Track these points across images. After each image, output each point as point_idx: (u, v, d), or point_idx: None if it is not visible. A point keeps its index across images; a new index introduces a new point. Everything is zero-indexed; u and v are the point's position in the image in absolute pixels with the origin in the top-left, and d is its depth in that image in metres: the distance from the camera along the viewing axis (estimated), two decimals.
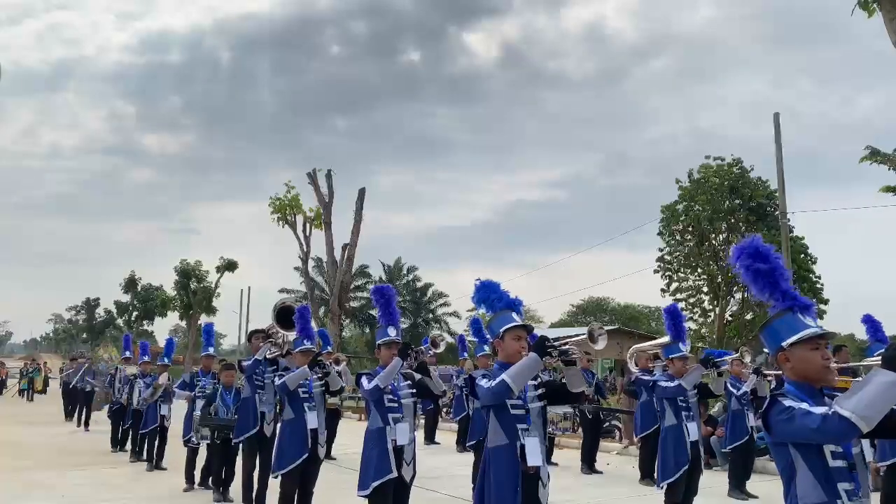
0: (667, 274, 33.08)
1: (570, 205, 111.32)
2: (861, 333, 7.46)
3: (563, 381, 4.03)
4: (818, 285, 30.20)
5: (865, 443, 4.12)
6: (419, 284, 56.06)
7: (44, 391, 30.04)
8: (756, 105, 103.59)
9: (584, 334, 4.00)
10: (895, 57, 11.73)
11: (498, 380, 3.80)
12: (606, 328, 4.20)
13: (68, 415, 19.52)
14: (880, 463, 6.22)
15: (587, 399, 10.74)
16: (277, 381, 6.50)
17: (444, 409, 17.34)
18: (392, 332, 5.35)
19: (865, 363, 2.94)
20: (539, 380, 4.08)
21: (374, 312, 5.85)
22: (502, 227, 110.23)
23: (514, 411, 3.92)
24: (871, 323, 6.93)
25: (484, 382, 3.88)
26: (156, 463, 10.67)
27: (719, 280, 30.60)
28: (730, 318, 31.15)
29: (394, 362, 5.11)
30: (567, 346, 3.90)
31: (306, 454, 6.25)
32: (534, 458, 3.86)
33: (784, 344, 2.81)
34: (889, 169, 15.80)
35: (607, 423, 13.73)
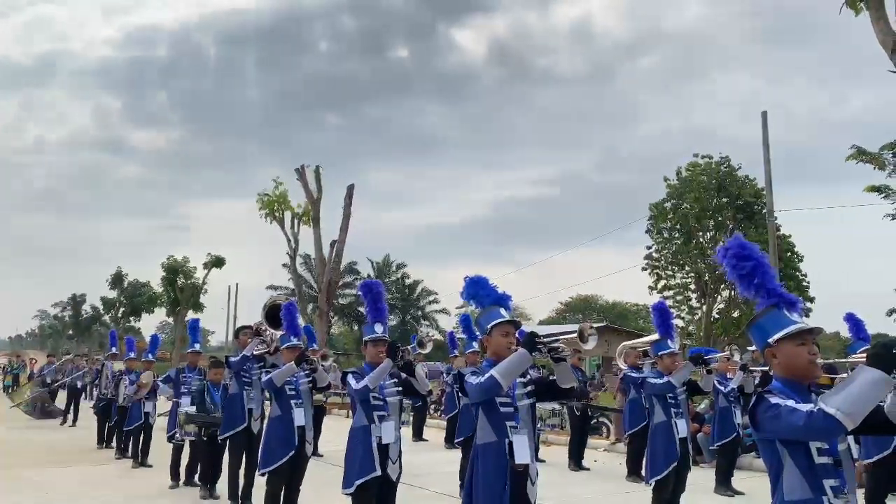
0: (655, 272, 33.23)
1: (561, 202, 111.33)
2: (845, 331, 7.52)
3: (553, 377, 4.03)
4: (804, 283, 30.41)
5: (851, 439, 4.15)
6: (408, 282, 56.08)
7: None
8: (747, 103, 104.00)
9: (574, 332, 3.98)
10: (884, 56, 11.84)
11: (486, 376, 3.79)
12: (595, 325, 4.19)
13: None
14: (865, 460, 6.28)
15: (577, 396, 10.75)
16: (264, 378, 6.47)
17: (433, 407, 17.34)
18: (379, 328, 5.31)
19: (850, 360, 2.95)
20: (528, 377, 4.08)
21: (363, 309, 5.83)
22: (492, 224, 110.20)
23: (503, 408, 3.91)
24: (853, 321, 7.01)
25: (473, 379, 3.87)
26: (141, 460, 10.61)
27: (706, 278, 30.76)
28: (717, 316, 31.32)
29: (384, 364, 5.06)
30: (557, 345, 3.90)
31: (293, 451, 6.22)
32: (522, 455, 3.85)
33: (771, 340, 2.83)
34: (874, 168, 15.96)
35: (595, 420, 13.77)
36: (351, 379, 5.17)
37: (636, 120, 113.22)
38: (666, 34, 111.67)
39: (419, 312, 55.67)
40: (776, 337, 2.81)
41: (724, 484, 8.85)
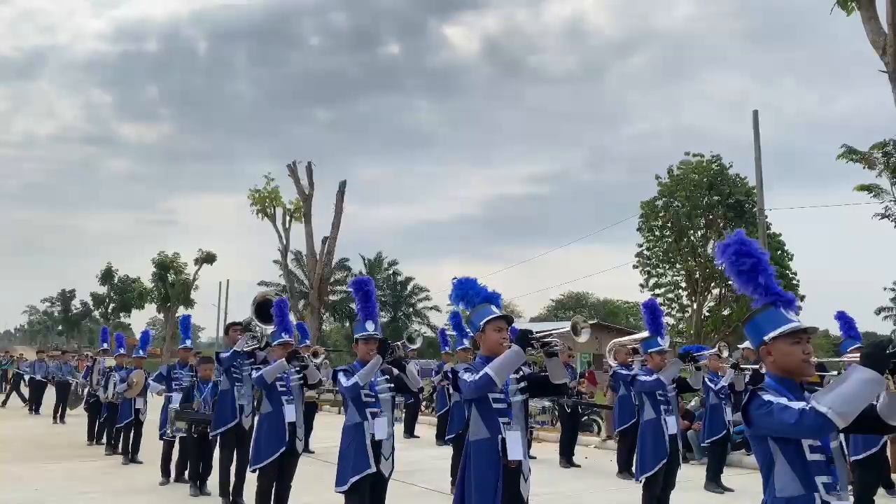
0: (645, 269, 33.31)
1: (552, 200, 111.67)
2: (835, 329, 7.60)
3: (545, 373, 4.03)
4: (794, 282, 30.55)
5: (842, 437, 4.17)
6: (400, 278, 56.04)
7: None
8: (737, 102, 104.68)
9: (566, 327, 3.99)
10: (874, 56, 11.89)
11: (481, 373, 3.79)
12: (587, 322, 4.19)
13: (32, 408, 19.40)
14: (854, 457, 6.32)
15: (568, 392, 10.76)
16: (255, 375, 6.45)
17: (425, 403, 17.34)
18: (370, 326, 5.27)
19: (844, 359, 2.96)
20: (521, 373, 4.08)
21: (354, 306, 5.82)
22: (483, 221, 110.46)
23: (496, 405, 3.91)
24: (844, 320, 7.07)
25: (467, 376, 3.86)
26: (131, 456, 10.57)
27: (697, 276, 30.85)
28: (707, 314, 31.42)
29: (374, 360, 5.05)
30: (550, 339, 3.90)
31: (284, 448, 6.21)
32: (515, 452, 3.85)
33: (766, 338, 2.84)
34: (864, 167, 16.05)
35: (585, 417, 13.80)
36: (341, 376, 5.15)
37: (626, 118, 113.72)
38: (656, 33, 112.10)
39: (411, 309, 55.64)
40: (772, 335, 2.82)
41: (714, 481, 8.89)
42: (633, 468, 7.41)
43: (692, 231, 31.54)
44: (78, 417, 14.98)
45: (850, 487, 3.46)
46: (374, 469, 4.96)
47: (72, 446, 12.55)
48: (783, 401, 2.60)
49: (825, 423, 2.43)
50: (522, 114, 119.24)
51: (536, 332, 3.95)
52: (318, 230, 29.79)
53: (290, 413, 6.33)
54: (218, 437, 7.66)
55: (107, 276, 55.28)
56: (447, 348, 13.01)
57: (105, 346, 14.67)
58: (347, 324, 51.66)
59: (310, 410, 10.97)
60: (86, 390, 14.70)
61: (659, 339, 6.83)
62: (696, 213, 30.81)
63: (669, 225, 31.84)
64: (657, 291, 32.46)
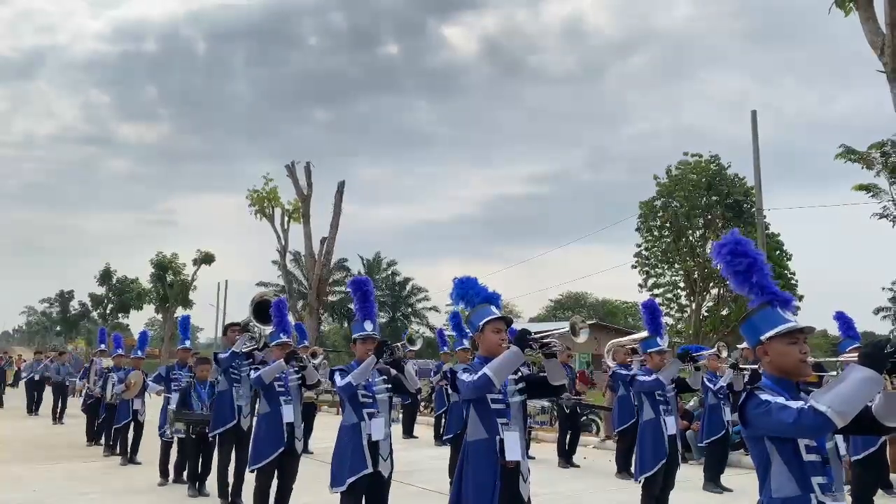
0: (644, 269, 33.35)
1: (551, 200, 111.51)
2: (833, 329, 7.61)
3: (544, 374, 4.03)
4: (793, 282, 30.59)
5: (839, 437, 4.17)
6: (398, 279, 56.06)
7: (15, 384, 29.58)
8: (737, 102, 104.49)
9: (565, 327, 3.99)
10: (873, 56, 11.91)
11: (479, 374, 3.79)
12: (586, 322, 4.19)
13: (31, 409, 19.35)
14: (853, 457, 6.33)
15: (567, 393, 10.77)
16: (253, 375, 6.45)
17: (423, 404, 17.34)
18: (369, 326, 5.27)
19: (842, 359, 2.96)
20: (519, 373, 4.08)
21: (353, 306, 5.82)
22: (483, 221, 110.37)
23: (495, 405, 3.91)
24: (843, 320, 7.09)
25: (465, 376, 3.86)
26: (130, 457, 10.55)
27: (696, 276, 30.90)
28: (706, 314, 31.47)
29: (368, 360, 5.04)
30: (548, 339, 3.90)
31: (282, 448, 6.21)
32: (513, 452, 3.85)
33: (763, 338, 2.83)
34: (862, 167, 16.08)
35: (584, 417, 13.80)
36: (337, 376, 5.14)
37: (626, 118, 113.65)
38: (656, 33, 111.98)
39: (409, 309, 55.65)
40: (768, 335, 2.82)
41: (712, 481, 8.89)
42: (633, 468, 7.41)
43: (691, 231, 31.61)
44: (77, 418, 14.94)
45: (846, 488, 3.46)
46: (370, 469, 4.94)
47: (71, 447, 12.54)
48: (781, 400, 2.60)
49: (824, 423, 2.42)
50: (522, 114, 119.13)
51: (535, 333, 3.95)
52: (316, 230, 29.78)
53: (289, 413, 6.33)
54: (216, 438, 7.66)
55: (105, 276, 55.20)
56: (446, 348, 13.01)
57: (103, 346, 14.67)
58: (346, 324, 51.63)
59: (309, 411, 10.98)
60: (84, 390, 14.67)
61: (658, 339, 6.84)
62: (695, 213, 30.87)
63: (668, 225, 31.90)
64: (656, 291, 32.55)
